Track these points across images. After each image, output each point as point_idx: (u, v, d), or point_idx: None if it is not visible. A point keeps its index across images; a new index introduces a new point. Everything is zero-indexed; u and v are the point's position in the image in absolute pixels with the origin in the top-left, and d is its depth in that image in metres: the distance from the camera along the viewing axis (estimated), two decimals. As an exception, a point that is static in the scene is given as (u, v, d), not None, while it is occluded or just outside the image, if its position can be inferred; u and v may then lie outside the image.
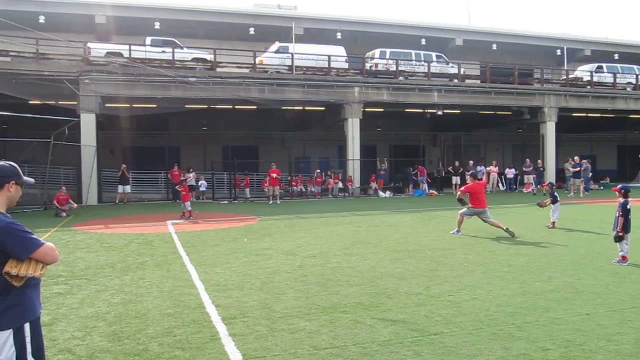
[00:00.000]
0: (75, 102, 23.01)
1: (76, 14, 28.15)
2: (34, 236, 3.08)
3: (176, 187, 18.19)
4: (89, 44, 24.64)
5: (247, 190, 26.13)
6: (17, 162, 3.44)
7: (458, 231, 12.65)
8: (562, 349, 4.96)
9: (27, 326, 3.08)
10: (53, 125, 20.94)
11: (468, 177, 13.82)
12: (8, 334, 3.00)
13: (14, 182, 3.22)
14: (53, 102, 23.29)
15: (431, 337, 5.33)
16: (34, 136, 20.94)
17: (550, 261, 9.17)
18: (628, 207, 8.62)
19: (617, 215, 8.69)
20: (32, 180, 3.48)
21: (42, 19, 26.75)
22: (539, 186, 27.41)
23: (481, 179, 15.33)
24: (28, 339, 3.07)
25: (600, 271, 8.34)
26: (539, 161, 29.75)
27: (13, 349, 3.01)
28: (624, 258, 8.74)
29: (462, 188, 13.43)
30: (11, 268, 2.96)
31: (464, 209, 12.86)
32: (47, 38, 22.71)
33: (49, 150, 20.66)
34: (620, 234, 8.59)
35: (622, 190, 8.81)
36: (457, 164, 29.25)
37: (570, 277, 7.89)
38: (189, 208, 17.07)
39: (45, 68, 22.59)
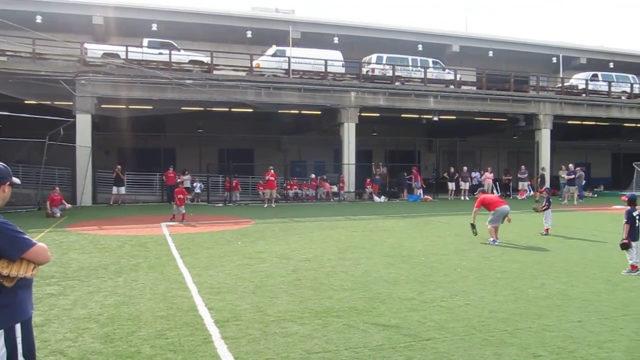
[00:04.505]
0: (71, 103, 22.96)
1: (73, 15, 28.11)
2: (26, 236, 3.07)
3: (175, 190, 18.04)
4: (86, 45, 24.61)
5: (237, 193, 25.98)
6: (12, 162, 3.44)
7: (494, 240, 12.03)
8: (554, 356, 4.98)
9: (18, 327, 3.06)
10: (48, 126, 20.88)
11: (478, 193, 13.77)
12: None
13: (8, 183, 3.22)
14: (49, 103, 23.22)
15: (424, 342, 5.34)
16: (29, 136, 20.85)
17: (544, 268, 9.20)
18: (635, 214, 8.64)
19: (624, 222, 8.73)
20: (19, 180, 3.48)
21: (39, 19, 26.71)
22: (534, 192, 27.53)
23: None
24: (19, 340, 3.06)
25: (592, 279, 8.38)
26: (543, 167, 29.59)
27: (4, 349, 3.00)
28: (633, 267, 8.68)
29: (476, 204, 12.85)
30: (2, 268, 2.94)
31: (491, 218, 12.32)
32: (44, 38, 22.66)
33: (44, 151, 20.60)
34: (626, 241, 8.61)
35: (628, 199, 8.90)
36: (452, 170, 29.29)
37: (563, 284, 7.93)
38: (183, 211, 17.01)
39: (42, 68, 22.53)
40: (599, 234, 13.87)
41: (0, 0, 25.20)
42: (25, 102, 23.11)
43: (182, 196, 17.22)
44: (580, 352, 5.07)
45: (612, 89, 33.40)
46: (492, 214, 12.44)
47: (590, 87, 33.08)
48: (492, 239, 12.13)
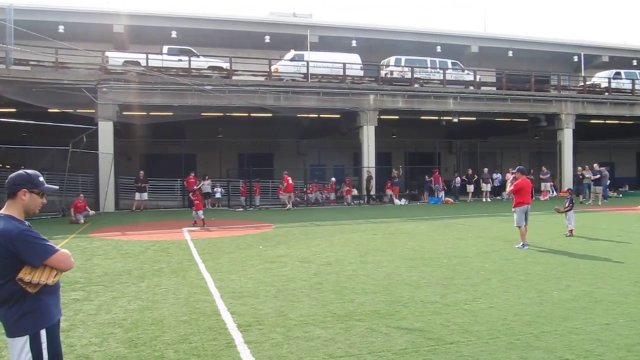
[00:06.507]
0: (93, 110, 23.32)
1: (94, 24, 28.61)
2: (48, 243, 3.09)
3: (190, 194, 18.24)
4: (107, 53, 24.98)
5: (257, 197, 26.13)
6: (37, 170, 3.46)
7: (524, 245, 11.52)
8: (581, 359, 4.88)
9: (43, 332, 3.09)
10: (71, 133, 21.25)
11: (515, 173, 12.48)
12: (25, 340, 3.03)
13: (25, 190, 3.20)
14: (71, 111, 23.61)
15: (447, 346, 5.28)
16: (53, 144, 21.23)
17: (568, 270, 9.05)
18: None
19: None
20: (53, 187, 3.49)
21: (61, 29, 27.23)
22: (557, 193, 27.12)
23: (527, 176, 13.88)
24: (44, 345, 3.09)
25: (619, 280, 8.20)
26: (579, 168, 27.96)
27: (29, 355, 3.03)
28: None
29: (512, 187, 12.16)
30: (25, 275, 2.98)
31: (517, 217, 11.81)
32: (66, 47, 23.07)
33: (67, 158, 20.94)
34: None
35: None
36: (470, 171, 28.91)
37: (589, 286, 7.78)
38: (202, 217, 17.06)
39: (64, 77, 22.95)
40: (625, 234, 13.62)
41: (25, 12, 25.72)
42: (49, 110, 23.54)
43: (197, 201, 17.31)
44: (609, 356, 4.96)
45: (636, 86, 32.80)
46: (513, 211, 12.02)
47: (613, 85, 32.56)
48: (521, 243, 11.62)
